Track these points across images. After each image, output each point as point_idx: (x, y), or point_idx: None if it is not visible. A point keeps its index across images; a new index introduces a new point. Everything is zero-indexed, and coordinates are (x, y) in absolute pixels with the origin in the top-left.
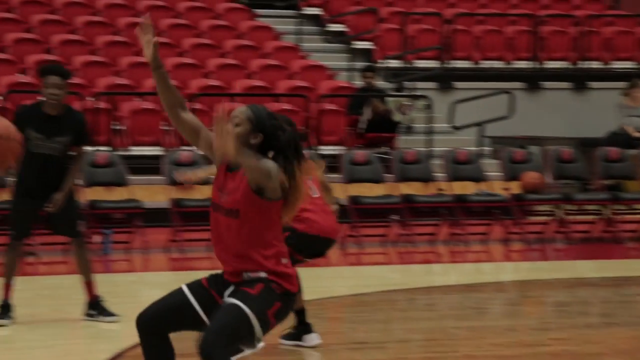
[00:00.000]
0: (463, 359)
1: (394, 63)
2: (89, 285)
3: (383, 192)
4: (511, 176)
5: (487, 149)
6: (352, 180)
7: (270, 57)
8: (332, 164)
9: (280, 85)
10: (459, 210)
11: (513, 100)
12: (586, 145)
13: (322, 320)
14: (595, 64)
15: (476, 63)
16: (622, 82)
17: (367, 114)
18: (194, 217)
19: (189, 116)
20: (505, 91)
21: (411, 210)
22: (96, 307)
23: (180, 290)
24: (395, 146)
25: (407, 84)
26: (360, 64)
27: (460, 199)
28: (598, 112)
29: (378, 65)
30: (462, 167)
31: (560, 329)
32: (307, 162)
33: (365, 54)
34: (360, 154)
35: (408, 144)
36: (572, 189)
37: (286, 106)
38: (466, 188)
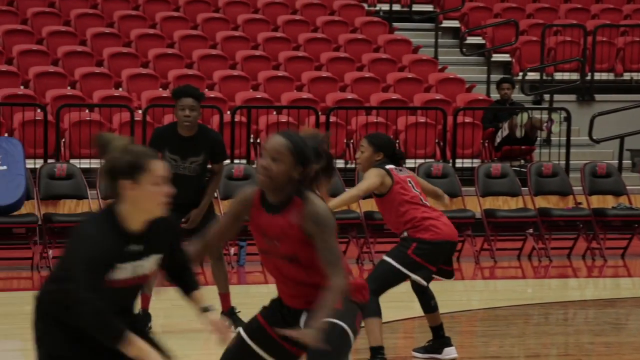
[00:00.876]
0: None
1: (533, 75)
2: (224, 296)
3: (519, 205)
4: None
5: (627, 162)
6: (487, 193)
7: (407, 70)
8: (468, 177)
9: (416, 98)
10: (598, 224)
11: None
12: None
13: (455, 333)
14: None
15: (618, 75)
16: None
17: (505, 129)
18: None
19: (211, 238)
20: None
21: (547, 224)
22: (230, 318)
23: (239, 336)
24: (532, 159)
25: (545, 96)
26: (498, 77)
27: (599, 212)
28: None
29: (516, 77)
30: (601, 180)
31: None
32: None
33: (504, 66)
34: (496, 166)
35: (546, 157)
36: None
37: (422, 119)
38: (605, 202)
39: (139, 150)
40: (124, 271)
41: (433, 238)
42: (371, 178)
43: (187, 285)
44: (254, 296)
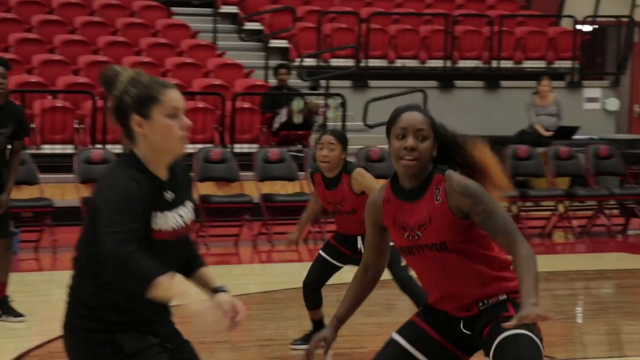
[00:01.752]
0: (371, 354)
1: (310, 61)
2: (2, 285)
3: (295, 190)
4: None
5: None
6: (265, 178)
7: (186, 55)
8: (246, 162)
9: (195, 84)
10: None
11: (426, 99)
12: (496, 143)
13: None
14: (507, 63)
15: (391, 62)
16: (533, 81)
17: (283, 115)
18: None
19: (370, 259)
20: (419, 90)
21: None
22: (3, 307)
23: (395, 343)
24: (309, 144)
25: (322, 82)
26: (276, 63)
27: None
28: (509, 111)
29: (294, 63)
30: (374, 164)
31: None
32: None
33: (282, 52)
34: (273, 152)
35: None
36: None
37: (201, 104)
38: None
39: (148, 80)
40: (168, 220)
41: None
42: (372, 179)
43: (192, 262)
44: (27, 284)
